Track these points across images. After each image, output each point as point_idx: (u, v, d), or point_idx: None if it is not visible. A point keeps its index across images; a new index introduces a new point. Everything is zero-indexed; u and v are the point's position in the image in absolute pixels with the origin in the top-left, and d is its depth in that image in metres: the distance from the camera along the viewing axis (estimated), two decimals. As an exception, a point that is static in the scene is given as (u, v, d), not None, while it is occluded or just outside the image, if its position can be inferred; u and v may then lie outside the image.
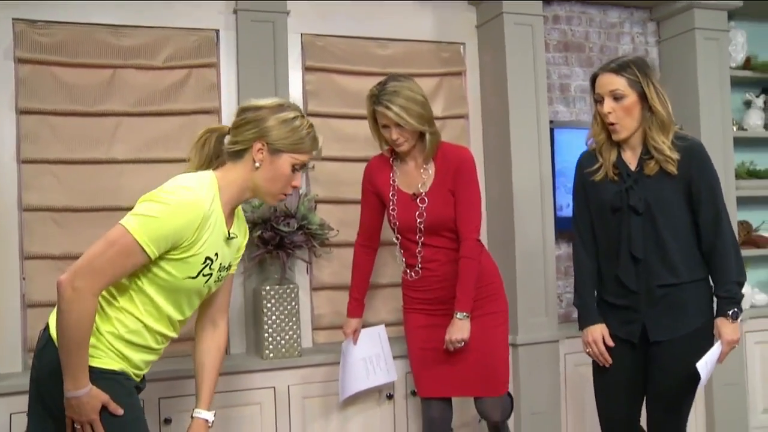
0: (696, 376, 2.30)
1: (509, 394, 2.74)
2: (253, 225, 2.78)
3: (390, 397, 2.99)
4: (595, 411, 3.32)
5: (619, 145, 2.39)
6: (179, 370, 2.66)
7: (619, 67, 2.32)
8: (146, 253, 1.77)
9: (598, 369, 2.49)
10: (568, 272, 3.66)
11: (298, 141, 1.96)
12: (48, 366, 1.83)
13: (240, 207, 2.08)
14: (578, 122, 3.65)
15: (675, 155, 2.28)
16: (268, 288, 2.86)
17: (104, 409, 1.80)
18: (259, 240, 2.81)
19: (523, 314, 3.20)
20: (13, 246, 2.79)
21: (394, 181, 2.66)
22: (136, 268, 1.80)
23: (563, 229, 3.48)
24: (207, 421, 2.05)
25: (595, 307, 2.45)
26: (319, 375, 2.93)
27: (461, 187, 2.57)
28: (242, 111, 2.00)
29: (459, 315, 2.53)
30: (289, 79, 3.12)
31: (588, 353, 2.45)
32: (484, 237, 3.41)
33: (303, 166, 2.01)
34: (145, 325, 1.88)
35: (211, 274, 1.93)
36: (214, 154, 2.03)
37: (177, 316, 1.94)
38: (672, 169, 2.28)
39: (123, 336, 1.85)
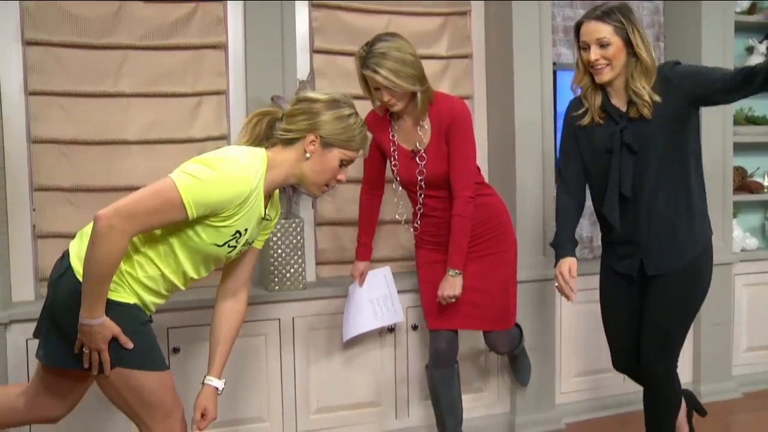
0: (688, 311, 2.43)
1: (518, 326, 2.86)
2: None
3: (391, 330, 3.09)
4: (587, 347, 3.47)
5: (604, 90, 2.43)
6: (188, 300, 2.74)
7: (605, 15, 2.35)
8: (186, 212, 1.83)
9: (602, 305, 2.62)
10: (566, 213, 3.74)
11: (350, 138, 2.02)
12: (64, 295, 1.91)
13: (277, 191, 2.14)
14: (581, 65, 3.65)
15: (656, 98, 2.33)
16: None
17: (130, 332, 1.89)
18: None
19: (521, 253, 3.24)
20: (23, 178, 2.82)
21: (393, 136, 2.69)
22: (172, 222, 1.86)
23: (563, 170, 3.53)
24: (217, 389, 2.12)
25: (568, 243, 2.54)
26: (324, 308, 3.02)
27: (454, 143, 2.59)
28: (298, 101, 2.05)
29: (451, 272, 2.61)
30: (295, 14, 3.11)
31: (556, 287, 2.54)
32: (484, 177, 3.46)
33: (350, 162, 2.07)
34: (162, 274, 1.96)
35: (235, 247, 2.00)
36: (264, 136, 2.06)
37: (192, 274, 2.02)
38: (647, 113, 2.34)
39: (140, 279, 1.94)
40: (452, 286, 2.61)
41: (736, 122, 3.87)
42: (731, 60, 3.74)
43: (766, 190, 4.06)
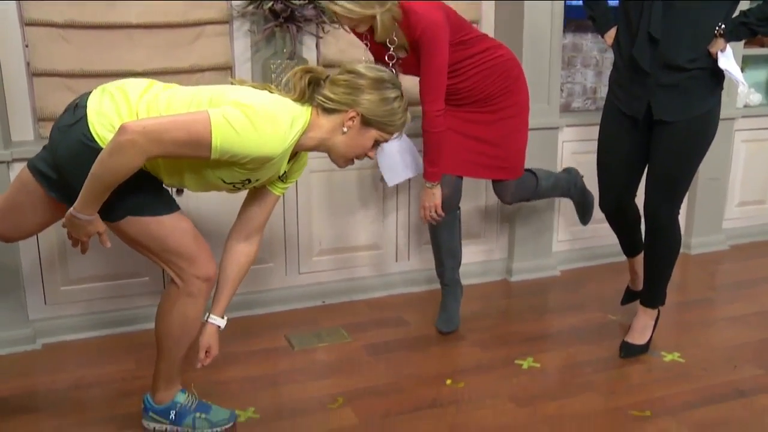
0: (694, 160, 2.44)
1: (531, 172, 2.88)
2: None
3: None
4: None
5: None
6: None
7: None
8: (210, 154, 1.77)
9: (601, 142, 2.62)
10: (572, 62, 3.67)
11: (390, 121, 1.94)
12: (71, 145, 1.84)
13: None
14: None
15: None
16: (278, 62, 2.84)
17: (125, 186, 1.82)
18: (270, 12, 2.75)
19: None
20: (12, 12, 2.69)
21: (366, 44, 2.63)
22: (192, 157, 1.81)
23: (572, 17, 3.43)
24: (219, 327, 2.12)
25: (608, 9, 2.58)
26: (326, 151, 3.01)
27: (421, 57, 2.49)
28: (346, 72, 1.94)
29: (428, 184, 2.63)
30: None
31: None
32: (490, 25, 3.37)
33: (385, 142, 1.99)
34: (159, 172, 1.92)
35: (239, 189, 1.97)
36: (308, 95, 1.94)
37: (191, 188, 1.99)
38: None
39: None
40: (430, 197, 2.63)
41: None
42: None
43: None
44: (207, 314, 2.11)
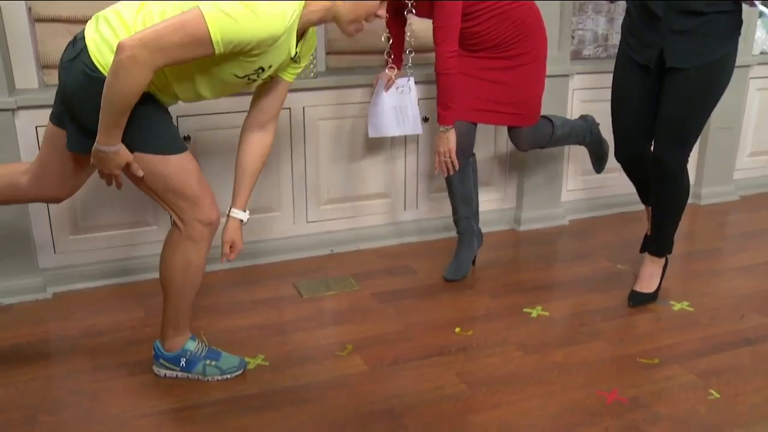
0: (707, 107, 2.40)
1: (548, 119, 2.86)
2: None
3: (402, 123, 3.08)
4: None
5: None
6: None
7: None
8: (213, 49, 1.72)
9: (614, 90, 2.58)
10: (583, 8, 3.58)
11: None
12: (77, 79, 1.84)
13: (313, 29, 2.01)
14: None
15: None
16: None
17: (133, 119, 1.82)
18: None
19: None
20: (12, -46, 2.64)
21: None
22: (198, 58, 1.76)
23: (585, -39, 3.34)
24: (242, 221, 2.10)
25: None
26: (334, 98, 2.98)
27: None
28: None
29: (441, 128, 2.59)
30: None
31: None
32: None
33: None
34: (175, 94, 1.91)
35: (255, 80, 1.92)
36: None
37: (207, 95, 1.95)
38: None
39: (150, 87, 1.87)
40: (445, 141, 2.60)
41: None
42: None
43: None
44: (229, 209, 2.10)
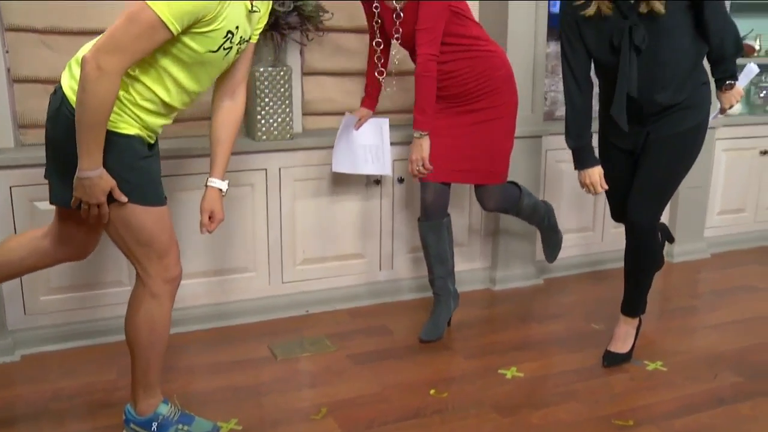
0: (684, 171, 2.49)
1: (516, 185, 2.89)
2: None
3: (377, 182, 3.11)
4: (569, 206, 3.53)
5: None
6: (173, 149, 2.71)
7: None
8: (169, 29, 1.74)
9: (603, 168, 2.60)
10: (555, 71, 3.68)
11: None
12: (64, 127, 1.85)
13: None
14: None
15: None
16: (261, 70, 2.83)
17: (120, 169, 1.84)
18: (253, 20, 2.73)
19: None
20: (-7, 17, 2.67)
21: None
22: (159, 45, 1.77)
23: (555, 26, 3.44)
24: (221, 190, 2.10)
25: (591, 147, 2.50)
26: (310, 158, 3.01)
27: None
28: None
29: (416, 134, 2.61)
30: None
31: (585, 191, 2.55)
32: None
33: None
34: (160, 98, 1.90)
35: (231, 48, 1.92)
36: None
37: (193, 87, 1.95)
38: (659, 7, 2.24)
39: (138, 103, 1.88)
40: (417, 148, 2.62)
41: (731, -18, 3.76)
42: None
43: (757, 53, 4.02)
44: (206, 179, 2.09)
